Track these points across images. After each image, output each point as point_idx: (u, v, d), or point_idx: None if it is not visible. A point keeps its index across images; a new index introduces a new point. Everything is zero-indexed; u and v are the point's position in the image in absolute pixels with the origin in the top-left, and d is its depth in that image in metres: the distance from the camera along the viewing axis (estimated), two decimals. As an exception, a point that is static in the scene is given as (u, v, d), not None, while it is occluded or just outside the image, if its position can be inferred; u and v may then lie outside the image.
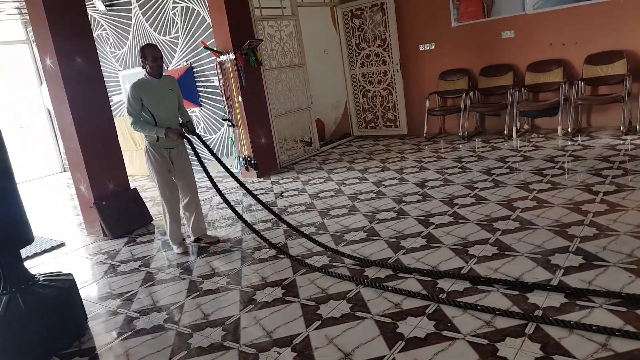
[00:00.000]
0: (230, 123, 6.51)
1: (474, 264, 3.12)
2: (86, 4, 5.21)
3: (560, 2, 6.23)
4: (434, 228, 3.83)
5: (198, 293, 3.35)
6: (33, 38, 8.32)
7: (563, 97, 6.21)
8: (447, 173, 5.32)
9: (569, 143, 5.83)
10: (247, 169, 6.56)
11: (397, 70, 7.72)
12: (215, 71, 6.48)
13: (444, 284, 2.92)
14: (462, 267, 3.09)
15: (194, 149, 4.05)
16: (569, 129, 6.19)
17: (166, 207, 4.16)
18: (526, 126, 6.86)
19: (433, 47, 7.37)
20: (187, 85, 7.01)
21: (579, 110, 6.39)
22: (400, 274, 3.12)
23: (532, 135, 6.51)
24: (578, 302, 2.50)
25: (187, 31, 6.90)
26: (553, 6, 6.28)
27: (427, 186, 4.95)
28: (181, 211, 4.29)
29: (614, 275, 2.72)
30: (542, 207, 3.92)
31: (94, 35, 7.84)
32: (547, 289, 2.65)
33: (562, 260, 2.98)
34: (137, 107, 3.90)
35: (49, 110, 9.23)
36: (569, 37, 6.29)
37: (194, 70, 6.98)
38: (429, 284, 2.95)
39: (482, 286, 2.82)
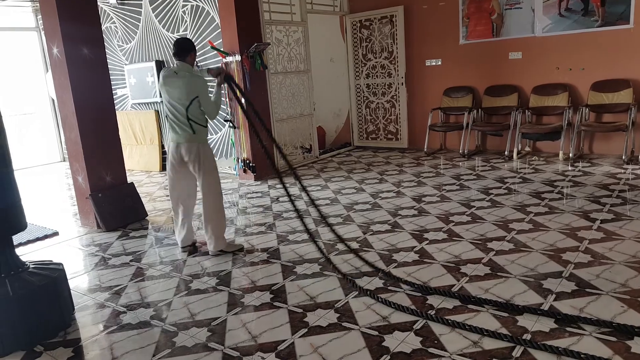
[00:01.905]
0: (231, 124, 6.50)
1: (466, 282, 3.10)
2: (97, -5, 5.22)
3: (569, 28, 6.26)
4: (427, 243, 3.81)
5: (186, 292, 3.33)
6: (42, 26, 8.33)
7: (566, 122, 6.22)
8: (444, 189, 5.31)
9: (570, 168, 5.83)
10: (244, 171, 6.55)
11: (402, 83, 7.73)
12: (221, 71, 6.48)
13: (434, 300, 2.90)
14: (454, 285, 3.07)
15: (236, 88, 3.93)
16: (571, 154, 6.20)
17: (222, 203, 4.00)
18: (527, 148, 6.87)
19: (439, 62, 7.39)
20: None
21: (582, 136, 6.40)
22: (390, 288, 3.10)
23: (533, 158, 6.51)
24: (568, 329, 2.48)
25: (195, 30, 6.91)
26: (562, 31, 6.31)
27: (424, 201, 4.94)
28: (181, 214, 4.06)
29: (606, 304, 2.70)
30: (538, 230, 3.90)
31: (103, 28, 7.86)
32: (537, 313, 2.63)
33: (555, 285, 2.96)
34: None
35: (52, 98, 9.23)
36: (576, 63, 6.31)
37: (199, 69, 6.97)
38: (419, 299, 2.93)
39: (472, 305, 2.80)
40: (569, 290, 2.89)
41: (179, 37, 7.12)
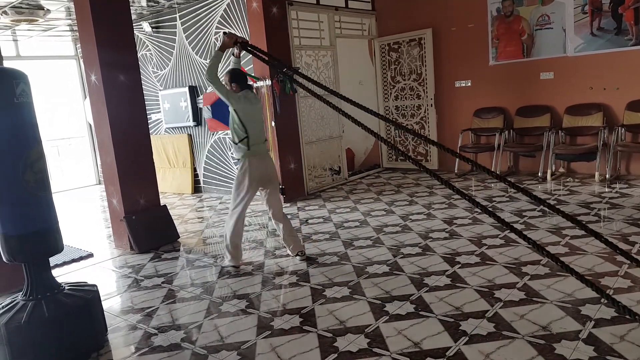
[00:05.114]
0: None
1: (500, 308, 3.02)
2: (134, 25, 5.42)
3: (602, 47, 6.16)
4: (459, 267, 3.74)
5: (217, 314, 3.34)
6: (81, 54, 8.68)
7: (602, 143, 6.07)
8: (476, 212, 5.22)
9: (606, 190, 5.67)
10: (275, 193, 6.58)
11: (432, 105, 7.71)
12: (252, 96, 6.60)
13: (467, 326, 2.83)
14: (487, 311, 2.99)
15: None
16: (607, 176, 6.03)
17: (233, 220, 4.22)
18: (562, 169, 6.72)
19: (469, 84, 7.35)
20: (223, 108, 7.13)
21: (618, 157, 6.22)
22: (422, 312, 3.05)
23: (567, 179, 6.35)
24: (608, 357, 2.38)
25: (227, 56, 7.07)
26: (595, 50, 6.21)
27: (455, 224, 4.87)
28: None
29: (648, 331, 2.59)
30: (575, 254, 3.79)
31: (139, 55, 8.12)
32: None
33: (593, 311, 2.86)
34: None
35: (90, 124, 9.56)
36: (611, 82, 6.18)
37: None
38: (451, 324, 2.87)
39: (507, 332, 2.72)
40: (608, 317, 2.78)
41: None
